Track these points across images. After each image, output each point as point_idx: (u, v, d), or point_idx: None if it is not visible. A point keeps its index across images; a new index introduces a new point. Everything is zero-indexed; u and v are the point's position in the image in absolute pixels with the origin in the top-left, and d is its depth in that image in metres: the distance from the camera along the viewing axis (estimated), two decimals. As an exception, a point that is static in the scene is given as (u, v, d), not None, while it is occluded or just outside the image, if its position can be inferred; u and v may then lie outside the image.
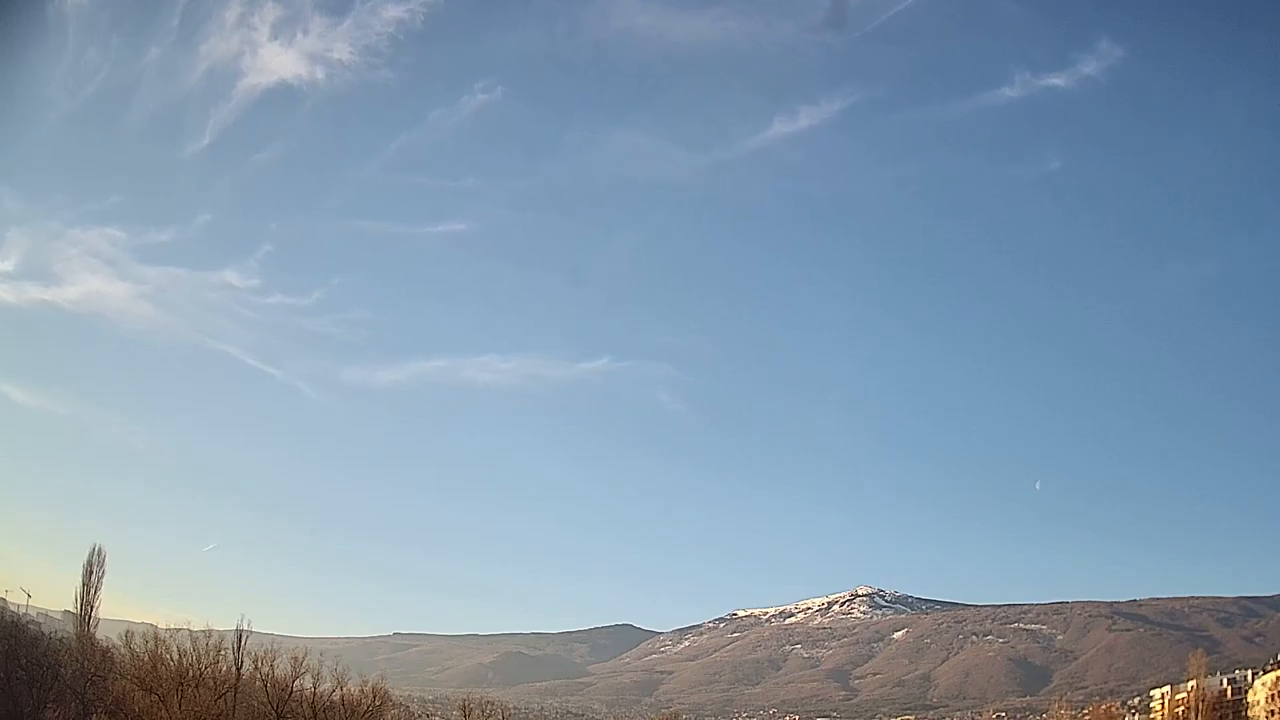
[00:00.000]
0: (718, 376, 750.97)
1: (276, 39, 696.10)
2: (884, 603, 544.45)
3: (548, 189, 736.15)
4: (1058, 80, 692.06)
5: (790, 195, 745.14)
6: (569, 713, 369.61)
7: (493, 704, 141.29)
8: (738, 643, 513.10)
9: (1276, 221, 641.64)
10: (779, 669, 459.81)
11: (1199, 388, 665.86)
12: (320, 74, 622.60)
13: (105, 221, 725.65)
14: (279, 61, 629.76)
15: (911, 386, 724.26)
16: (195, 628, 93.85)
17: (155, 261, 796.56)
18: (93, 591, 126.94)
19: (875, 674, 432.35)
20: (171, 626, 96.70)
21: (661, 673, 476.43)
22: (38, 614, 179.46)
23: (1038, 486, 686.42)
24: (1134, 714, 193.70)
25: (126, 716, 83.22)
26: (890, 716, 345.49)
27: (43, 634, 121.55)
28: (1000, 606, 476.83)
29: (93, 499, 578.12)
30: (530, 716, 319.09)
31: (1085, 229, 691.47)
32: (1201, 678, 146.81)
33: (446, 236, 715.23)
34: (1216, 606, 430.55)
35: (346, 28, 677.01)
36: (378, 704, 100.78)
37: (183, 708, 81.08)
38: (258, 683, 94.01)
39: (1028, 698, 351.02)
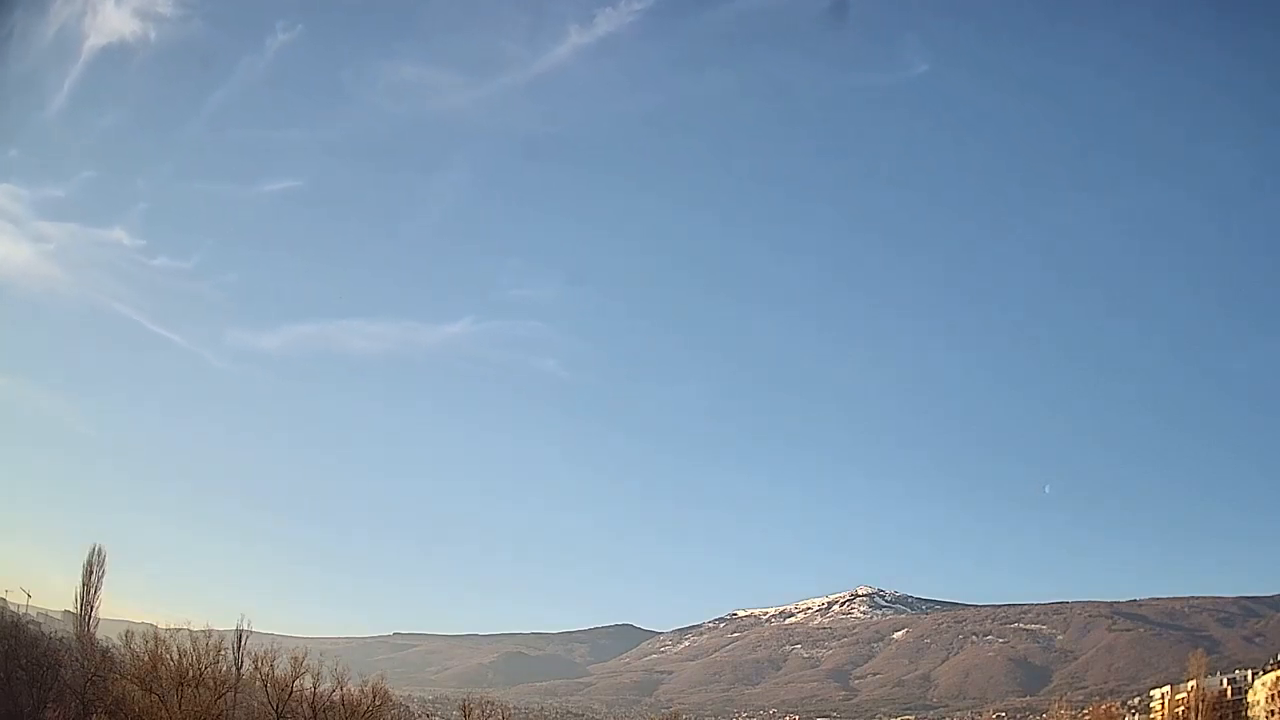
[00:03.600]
0: (598, 334, 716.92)
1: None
2: (884, 603, 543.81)
3: (350, 135, 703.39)
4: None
5: (604, 116, 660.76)
6: (569, 713, 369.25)
7: (493, 704, 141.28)
8: (738, 643, 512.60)
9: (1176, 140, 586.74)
10: (779, 669, 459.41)
11: (1200, 387, 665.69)
12: (151, 30, 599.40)
13: (5, 177, 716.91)
14: (115, 20, 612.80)
15: (912, 386, 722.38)
16: (195, 628, 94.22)
17: (53, 218, 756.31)
18: (93, 591, 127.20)
19: (875, 674, 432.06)
20: (171, 626, 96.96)
21: (661, 673, 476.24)
22: (38, 614, 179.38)
23: (1047, 490, 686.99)
24: (1134, 714, 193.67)
25: (126, 716, 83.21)
26: (890, 716, 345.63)
27: (43, 634, 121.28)
28: (1000, 606, 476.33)
29: (71, 489, 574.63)
30: (530, 716, 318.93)
31: (959, 145, 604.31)
32: (1201, 678, 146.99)
33: (283, 194, 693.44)
34: (1216, 606, 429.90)
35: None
36: (378, 704, 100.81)
37: (183, 708, 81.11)
38: (258, 683, 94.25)
39: (1028, 698, 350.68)
